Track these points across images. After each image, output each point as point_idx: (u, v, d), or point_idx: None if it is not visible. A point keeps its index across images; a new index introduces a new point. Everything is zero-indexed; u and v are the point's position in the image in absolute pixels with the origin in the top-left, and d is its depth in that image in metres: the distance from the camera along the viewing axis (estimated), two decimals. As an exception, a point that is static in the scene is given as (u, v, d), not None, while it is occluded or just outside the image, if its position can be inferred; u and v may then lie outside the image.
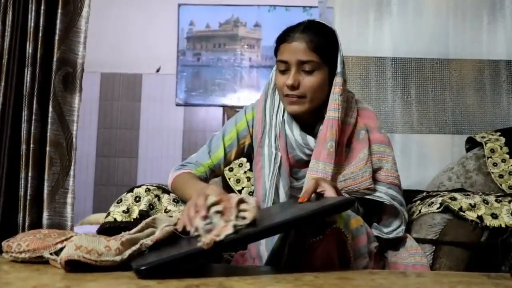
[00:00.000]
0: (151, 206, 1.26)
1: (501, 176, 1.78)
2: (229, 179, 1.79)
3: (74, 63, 1.30)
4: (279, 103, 1.33)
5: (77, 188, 1.32)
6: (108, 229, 1.22)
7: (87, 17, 1.31)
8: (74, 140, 1.30)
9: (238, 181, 1.78)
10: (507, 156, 1.81)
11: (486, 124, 2.16)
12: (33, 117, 1.25)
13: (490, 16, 2.22)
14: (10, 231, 1.20)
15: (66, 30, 1.29)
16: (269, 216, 1.07)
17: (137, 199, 1.26)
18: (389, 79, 2.20)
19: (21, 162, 1.24)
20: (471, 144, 1.96)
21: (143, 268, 0.78)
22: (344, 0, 2.24)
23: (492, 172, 1.79)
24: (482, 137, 1.90)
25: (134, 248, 0.85)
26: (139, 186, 1.31)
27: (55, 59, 1.27)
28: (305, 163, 1.27)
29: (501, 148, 1.83)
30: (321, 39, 1.22)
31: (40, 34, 1.26)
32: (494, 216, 1.28)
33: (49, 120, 1.26)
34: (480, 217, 1.28)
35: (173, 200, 1.28)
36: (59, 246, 0.90)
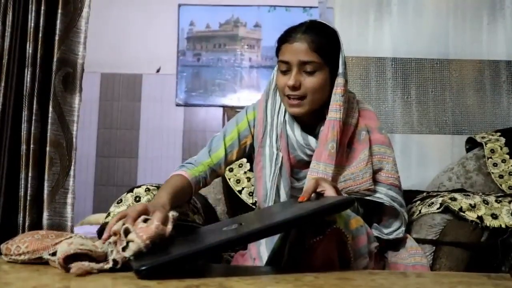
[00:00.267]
0: (151, 206, 1.26)
1: (501, 176, 1.78)
2: (229, 179, 1.79)
3: (74, 63, 1.30)
4: (280, 103, 1.32)
5: (77, 188, 1.32)
6: (108, 229, 1.22)
7: (87, 17, 1.31)
8: (74, 140, 1.30)
9: (238, 181, 1.78)
10: (507, 156, 1.81)
11: (486, 124, 2.15)
12: (33, 117, 1.25)
13: (490, 16, 2.22)
14: (10, 231, 1.20)
15: (66, 30, 1.29)
16: (269, 215, 1.07)
17: (137, 199, 1.26)
18: (389, 80, 2.20)
19: (21, 162, 1.24)
20: (471, 144, 1.96)
21: (143, 268, 0.78)
22: (344, 0, 2.24)
23: (492, 173, 1.79)
24: (482, 138, 1.90)
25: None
26: (139, 186, 1.31)
27: (55, 59, 1.27)
28: (306, 164, 1.27)
29: (501, 149, 1.83)
30: (322, 39, 1.22)
31: (40, 35, 1.26)
32: (494, 216, 1.28)
33: (49, 120, 1.26)
34: (480, 218, 1.28)
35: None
36: (58, 246, 0.90)
